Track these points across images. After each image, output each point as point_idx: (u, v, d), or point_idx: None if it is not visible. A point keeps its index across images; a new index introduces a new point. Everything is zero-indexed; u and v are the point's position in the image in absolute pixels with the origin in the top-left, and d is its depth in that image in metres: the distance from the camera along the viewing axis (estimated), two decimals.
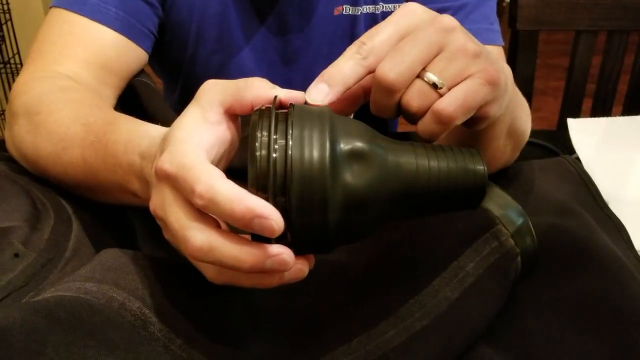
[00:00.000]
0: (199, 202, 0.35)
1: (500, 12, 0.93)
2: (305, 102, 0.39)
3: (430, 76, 0.39)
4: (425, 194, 0.39)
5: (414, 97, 0.39)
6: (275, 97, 0.39)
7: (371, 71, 0.40)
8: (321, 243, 0.37)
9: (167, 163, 0.36)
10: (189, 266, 0.45)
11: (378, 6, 0.77)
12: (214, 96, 0.40)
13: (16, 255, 0.44)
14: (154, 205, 0.38)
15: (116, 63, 0.66)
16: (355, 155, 0.37)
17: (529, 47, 1.12)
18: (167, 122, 0.46)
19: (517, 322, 0.48)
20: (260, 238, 0.35)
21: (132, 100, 0.66)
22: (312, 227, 0.36)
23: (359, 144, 0.37)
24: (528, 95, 1.13)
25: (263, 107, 0.38)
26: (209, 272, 0.38)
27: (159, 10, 0.72)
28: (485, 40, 0.67)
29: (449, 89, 0.39)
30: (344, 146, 0.37)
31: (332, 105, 0.40)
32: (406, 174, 0.38)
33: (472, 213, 0.46)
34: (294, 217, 0.35)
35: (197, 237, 0.35)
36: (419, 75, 0.39)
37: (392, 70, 0.39)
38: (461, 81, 0.40)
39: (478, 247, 0.45)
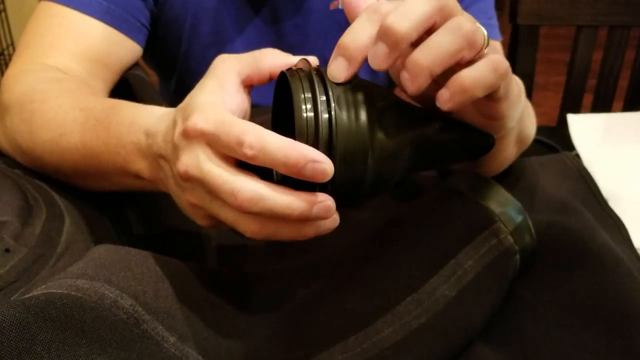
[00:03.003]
0: (248, 152, 0.35)
1: (501, 7, 0.92)
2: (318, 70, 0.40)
3: None
4: (440, 147, 0.43)
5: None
6: (305, 58, 0.41)
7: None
8: (356, 195, 0.39)
9: (201, 121, 0.37)
10: (182, 263, 0.45)
11: None
12: (230, 67, 0.41)
13: (7, 250, 0.43)
14: (186, 166, 0.38)
15: (107, 56, 0.65)
16: (385, 112, 0.39)
17: (529, 42, 1.11)
18: None
19: (515, 320, 0.48)
20: (303, 189, 0.37)
21: (126, 94, 0.65)
22: (351, 178, 0.38)
23: (387, 102, 0.40)
24: (528, 90, 1.13)
25: (293, 69, 0.40)
26: (251, 226, 0.38)
27: (151, 4, 0.71)
28: None
29: None
30: (377, 103, 0.39)
31: None
32: (426, 129, 0.42)
33: (471, 211, 0.46)
34: (337, 168, 0.37)
35: (247, 187, 0.36)
36: None
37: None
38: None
39: (477, 244, 0.45)
